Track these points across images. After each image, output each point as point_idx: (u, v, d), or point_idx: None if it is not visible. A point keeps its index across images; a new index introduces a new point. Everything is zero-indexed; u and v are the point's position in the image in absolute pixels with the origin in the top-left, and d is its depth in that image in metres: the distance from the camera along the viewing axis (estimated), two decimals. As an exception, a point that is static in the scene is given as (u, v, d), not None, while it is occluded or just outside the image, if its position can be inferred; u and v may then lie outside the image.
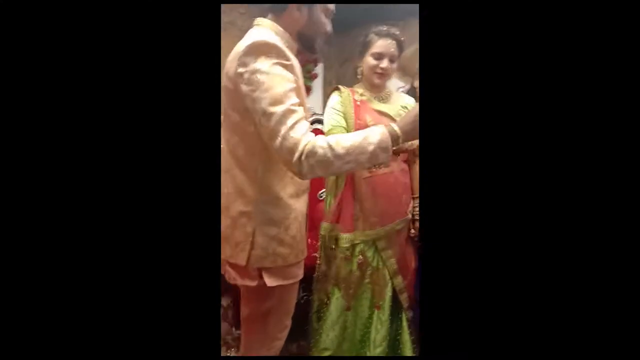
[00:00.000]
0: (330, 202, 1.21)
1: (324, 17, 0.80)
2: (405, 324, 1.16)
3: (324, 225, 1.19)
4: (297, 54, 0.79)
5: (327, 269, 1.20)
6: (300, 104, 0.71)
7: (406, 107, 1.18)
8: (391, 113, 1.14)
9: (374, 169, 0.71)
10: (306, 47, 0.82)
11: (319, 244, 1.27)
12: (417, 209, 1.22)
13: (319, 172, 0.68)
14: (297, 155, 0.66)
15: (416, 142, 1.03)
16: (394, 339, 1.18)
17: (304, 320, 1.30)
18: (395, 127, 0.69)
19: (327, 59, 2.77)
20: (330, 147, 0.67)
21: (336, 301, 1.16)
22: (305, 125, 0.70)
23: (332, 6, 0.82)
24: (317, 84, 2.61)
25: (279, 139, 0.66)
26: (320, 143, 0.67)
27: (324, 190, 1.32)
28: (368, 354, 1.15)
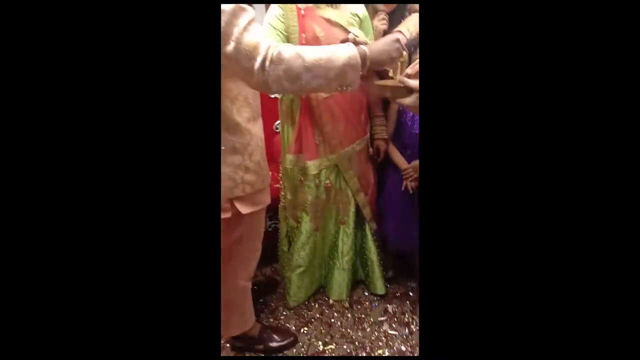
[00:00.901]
0: (288, 132, 1.17)
1: None
2: (369, 232, 1.29)
3: (289, 157, 1.16)
4: None
5: (293, 197, 1.22)
6: (250, 5, 0.62)
7: (357, 15, 1.08)
8: (341, 21, 1.04)
9: (344, 91, 0.66)
10: None
11: (279, 175, 1.27)
12: (376, 127, 1.24)
13: (286, 84, 0.61)
14: (259, 61, 0.58)
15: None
16: (360, 247, 1.31)
17: (275, 246, 1.38)
18: (365, 48, 0.65)
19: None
20: (299, 55, 0.60)
21: (305, 224, 1.22)
22: (260, 29, 0.62)
23: None
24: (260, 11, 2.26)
25: (233, 43, 0.58)
26: (287, 49, 0.60)
27: (278, 121, 1.25)
28: (337, 264, 1.28)
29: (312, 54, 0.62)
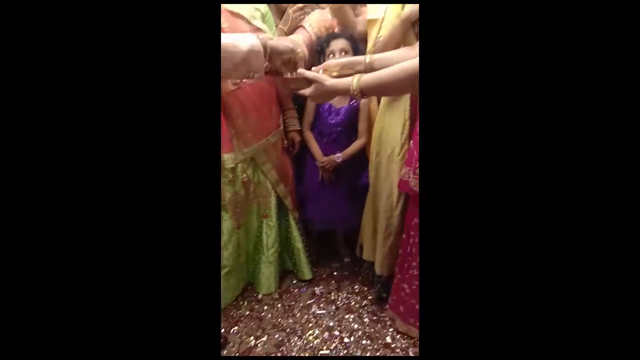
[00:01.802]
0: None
1: None
2: (292, 222, 1.32)
3: None
4: None
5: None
6: None
7: (259, 10, 1.08)
8: (245, 14, 1.03)
9: (245, 80, 0.69)
10: None
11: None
12: (288, 119, 1.27)
13: None
14: None
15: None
16: (285, 238, 1.34)
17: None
18: (265, 38, 0.69)
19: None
20: None
21: (226, 223, 1.18)
22: None
23: None
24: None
25: None
26: None
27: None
28: (263, 258, 1.29)
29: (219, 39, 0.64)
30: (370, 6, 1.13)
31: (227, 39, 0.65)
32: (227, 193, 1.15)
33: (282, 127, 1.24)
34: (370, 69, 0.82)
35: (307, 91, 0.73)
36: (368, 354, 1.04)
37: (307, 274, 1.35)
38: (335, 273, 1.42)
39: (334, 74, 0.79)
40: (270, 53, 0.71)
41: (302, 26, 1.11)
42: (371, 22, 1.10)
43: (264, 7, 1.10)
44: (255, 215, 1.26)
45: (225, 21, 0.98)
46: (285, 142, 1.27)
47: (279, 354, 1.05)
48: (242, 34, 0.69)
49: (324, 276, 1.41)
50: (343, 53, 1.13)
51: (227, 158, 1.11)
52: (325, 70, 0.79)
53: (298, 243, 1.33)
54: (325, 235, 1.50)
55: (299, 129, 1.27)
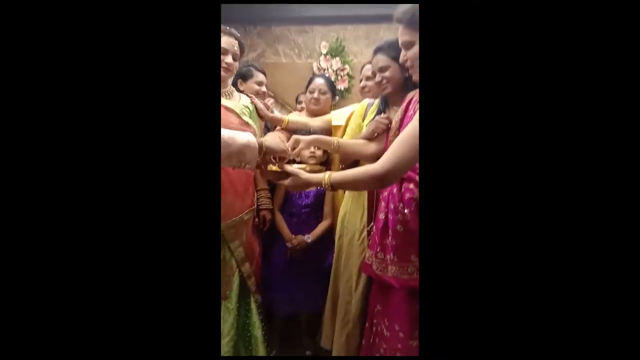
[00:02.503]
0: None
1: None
2: (253, 306, 1.24)
3: None
4: None
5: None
6: None
7: (247, 107, 1.27)
8: (236, 109, 1.20)
9: (242, 168, 0.79)
10: None
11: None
12: (261, 199, 1.34)
13: None
14: None
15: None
16: (242, 324, 1.23)
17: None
18: (262, 139, 0.82)
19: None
20: None
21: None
22: None
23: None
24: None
25: None
26: None
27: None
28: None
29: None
30: (335, 113, 1.38)
31: (226, 133, 0.76)
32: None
33: (256, 205, 1.29)
34: (336, 150, 1.06)
35: (285, 182, 0.84)
36: None
37: (263, 369, 1.20)
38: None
39: (307, 168, 0.92)
40: (266, 151, 0.83)
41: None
42: (335, 127, 1.33)
43: (251, 105, 1.30)
44: (215, 296, 1.18)
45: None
46: (257, 220, 1.31)
47: None
48: (239, 131, 0.81)
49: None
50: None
51: None
52: (295, 142, 0.93)
53: (257, 330, 1.23)
54: (288, 323, 1.40)
55: (271, 207, 1.34)
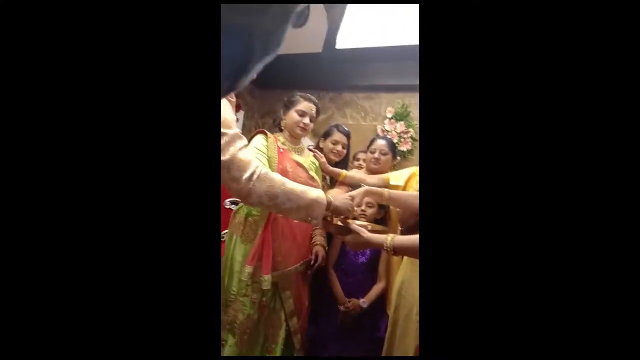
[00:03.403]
0: (234, 243, 1.20)
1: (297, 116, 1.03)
2: (295, 367, 1.17)
3: (247, 270, 1.12)
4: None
5: (223, 314, 1.14)
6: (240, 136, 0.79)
7: (314, 163, 1.38)
8: (305, 164, 1.31)
9: (308, 222, 0.84)
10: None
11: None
12: (316, 237, 1.32)
13: (265, 199, 0.75)
14: (248, 173, 0.71)
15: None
16: (283, 386, 1.15)
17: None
18: (330, 197, 0.86)
19: (249, 108, 2.94)
20: (282, 180, 0.77)
21: (229, 349, 1.09)
22: (253, 153, 0.79)
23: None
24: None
25: (228, 156, 0.71)
26: (274, 173, 0.77)
27: (226, 231, 1.31)
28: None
29: (292, 183, 0.81)
30: (393, 174, 1.39)
31: (298, 186, 0.82)
32: (241, 315, 1.12)
33: (311, 257, 1.30)
34: (388, 200, 1.05)
35: (346, 238, 0.85)
36: None
37: None
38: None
39: (369, 227, 0.92)
40: (332, 211, 0.85)
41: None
42: (393, 187, 1.32)
43: (317, 161, 1.41)
44: (259, 348, 1.15)
45: (290, 167, 1.24)
46: (309, 272, 1.30)
47: None
48: (312, 188, 0.86)
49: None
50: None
51: (267, 279, 1.11)
52: (341, 181, 0.92)
53: (297, 396, 1.13)
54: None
55: (324, 244, 1.31)
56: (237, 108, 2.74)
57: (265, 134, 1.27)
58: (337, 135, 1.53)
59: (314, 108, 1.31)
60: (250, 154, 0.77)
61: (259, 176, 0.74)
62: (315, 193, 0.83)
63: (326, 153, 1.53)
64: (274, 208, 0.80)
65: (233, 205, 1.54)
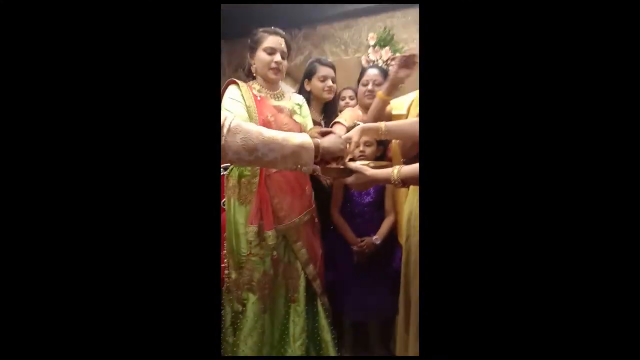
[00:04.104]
0: (234, 206, 1.16)
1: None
2: (321, 309, 1.21)
3: (251, 229, 1.11)
4: None
5: (238, 276, 1.14)
6: None
7: (300, 105, 1.25)
8: (288, 107, 1.19)
9: (298, 170, 0.76)
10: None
11: (224, 252, 1.20)
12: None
13: (244, 154, 0.67)
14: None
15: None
16: (312, 327, 1.21)
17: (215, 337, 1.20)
18: (318, 140, 0.76)
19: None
20: (258, 130, 0.69)
21: (252, 306, 1.11)
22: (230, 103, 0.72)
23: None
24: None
25: None
26: (247, 123, 0.69)
27: (224, 199, 1.26)
28: (289, 350, 1.15)
29: (270, 131, 0.72)
30: (394, 102, 1.28)
31: (278, 133, 0.73)
32: (256, 273, 1.12)
33: (314, 206, 1.27)
34: (386, 135, 0.97)
35: (348, 180, 0.79)
36: None
37: (336, 375, 1.16)
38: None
39: (371, 164, 0.86)
40: (322, 153, 0.77)
41: (338, 122, 1.25)
42: (396, 117, 1.23)
43: (301, 100, 1.28)
44: (283, 300, 1.19)
45: (271, 115, 1.14)
46: (317, 220, 1.27)
47: None
48: (297, 133, 0.78)
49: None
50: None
51: (271, 234, 1.11)
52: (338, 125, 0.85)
53: (326, 334, 1.19)
54: (358, 326, 1.34)
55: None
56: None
57: (237, 83, 1.15)
58: (323, 70, 1.37)
59: (282, 42, 1.15)
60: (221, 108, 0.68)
61: (229, 129, 0.66)
62: (300, 138, 0.75)
63: (317, 94, 1.39)
64: (258, 162, 0.72)
65: (224, 170, 1.46)
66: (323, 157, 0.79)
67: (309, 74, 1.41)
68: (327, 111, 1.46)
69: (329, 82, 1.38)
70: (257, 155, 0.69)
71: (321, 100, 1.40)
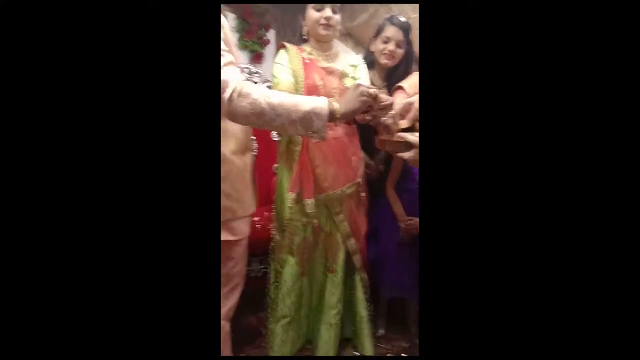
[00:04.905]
0: (283, 173, 1.17)
1: None
2: (359, 284, 1.19)
3: (290, 196, 1.12)
4: (247, 17, 0.76)
5: (281, 238, 1.18)
6: (230, 53, 0.71)
7: (354, 66, 1.14)
8: (339, 68, 1.10)
9: (310, 137, 0.72)
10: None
11: (272, 214, 1.25)
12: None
13: (252, 118, 0.68)
14: (228, 93, 0.65)
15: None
16: (348, 300, 1.21)
17: (264, 293, 1.30)
18: (335, 103, 0.71)
19: (282, 27, 2.63)
20: (266, 94, 0.67)
21: (290, 268, 1.15)
22: (236, 71, 0.70)
23: None
24: (270, 51, 2.47)
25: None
26: (255, 87, 0.68)
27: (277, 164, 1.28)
28: (324, 318, 1.18)
29: (279, 96, 0.69)
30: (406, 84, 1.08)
31: (289, 98, 0.69)
32: (296, 237, 1.14)
33: (360, 179, 1.20)
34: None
35: (406, 155, 0.70)
36: None
37: (369, 350, 1.15)
38: (403, 355, 1.18)
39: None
40: (343, 116, 0.72)
41: (400, 87, 1.11)
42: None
43: (357, 60, 1.16)
44: (322, 268, 1.20)
45: (320, 79, 1.07)
46: (362, 194, 1.21)
47: None
48: (308, 97, 0.74)
49: (388, 355, 1.17)
50: (396, 44, 1.19)
51: (309, 203, 1.10)
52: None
53: (362, 310, 1.18)
54: (396, 305, 1.29)
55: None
56: (267, 28, 2.47)
57: (285, 47, 1.10)
58: (390, 31, 1.20)
59: None
60: (233, 73, 0.67)
61: (240, 93, 0.65)
62: (313, 103, 0.68)
63: (377, 57, 1.24)
64: (267, 126, 0.70)
65: (277, 136, 1.48)
66: (345, 118, 0.73)
67: (377, 33, 1.25)
68: (392, 77, 1.26)
69: (391, 46, 1.21)
70: (266, 120, 0.68)
71: (381, 66, 1.25)
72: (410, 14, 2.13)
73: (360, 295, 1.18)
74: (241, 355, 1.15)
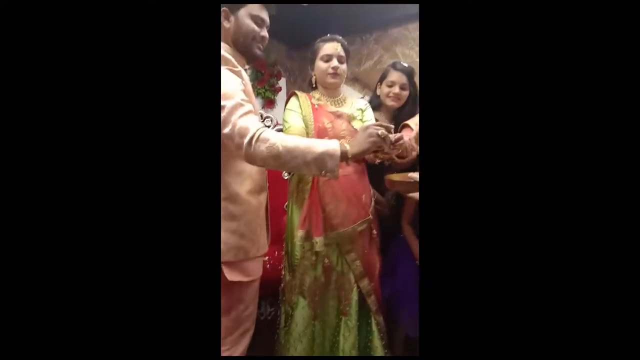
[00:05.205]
0: (293, 210, 1.18)
1: (252, 23, 0.86)
2: (375, 328, 1.13)
3: (299, 234, 1.13)
4: (260, 67, 0.83)
5: (291, 278, 1.15)
6: (249, 103, 0.78)
7: (361, 110, 1.21)
8: (347, 111, 1.16)
9: (323, 176, 0.76)
10: (245, 54, 0.88)
11: (282, 253, 1.23)
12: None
13: (269, 160, 0.73)
14: (248, 138, 0.71)
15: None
16: (364, 346, 1.14)
17: (273, 338, 1.23)
18: (346, 145, 0.77)
19: (290, 73, 2.83)
20: (282, 138, 0.74)
21: (302, 311, 1.11)
22: (255, 118, 0.76)
23: (264, 13, 0.88)
24: (281, 98, 2.64)
25: (230, 126, 0.72)
26: (274, 133, 0.74)
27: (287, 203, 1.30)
28: (339, 365, 1.10)
29: (294, 140, 0.75)
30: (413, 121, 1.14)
31: (302, 141, 0.75)
32: (307, 277, 1.11)
33: (371, 216, 1.19)
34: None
35: (416, 195, 0.72)
36: None
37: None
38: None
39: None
40: (353, 156, 0.77)
41: (407, 125, 1.16)
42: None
43: (364, 104, 1.23)
44: (334, 311, 1.14)
45: (329, 122, 1.13)
46: (374, 232, 1.20)
47: None
48: (321, 139, 0.78)
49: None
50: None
51: (318, 241, 1.09)
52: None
53: (379, 356, 1.10)
54: (413, 342, 1.20)
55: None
56: (278, 76, 2.67)
57: (296, 94, 1.19)
58: (394, 75, 1.29)
59: (338, 47, 1.13)
60: (252, 120, 0.74)
61: (258, 138, 0.71)
62: (325, 145, 0.74)
63: (383, 100, 1.32)
64: (283, 167, 0.76)
65: (288, 175, 1.51)
66: (356, 158, 0.78)
67: (381, 78, 1.35)
68: (398, 118, 1.32)
69: (396, 89, 1.29)
70: (282, 162, 0.73)
71: (387, 108, 1.33)
72: (414, 57, 2.29)
73: (377, 342, 1.11)
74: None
